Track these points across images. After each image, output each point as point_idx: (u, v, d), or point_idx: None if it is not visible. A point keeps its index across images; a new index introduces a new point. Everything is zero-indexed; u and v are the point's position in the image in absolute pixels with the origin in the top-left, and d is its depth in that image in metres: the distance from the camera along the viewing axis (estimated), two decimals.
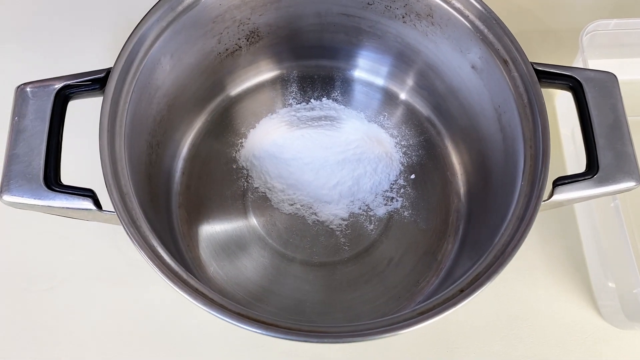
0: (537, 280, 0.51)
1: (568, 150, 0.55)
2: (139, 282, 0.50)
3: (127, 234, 0.36)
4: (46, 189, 0.38)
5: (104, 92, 0.41)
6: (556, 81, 0.43)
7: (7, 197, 0.38)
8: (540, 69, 0.43)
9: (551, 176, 0.40)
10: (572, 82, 0.43)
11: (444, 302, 0.36)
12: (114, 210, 0.37)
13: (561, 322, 0.50)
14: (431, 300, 0.36)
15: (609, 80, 0.43)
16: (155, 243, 0.37)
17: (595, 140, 0.41)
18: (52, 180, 0.39)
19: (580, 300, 0.50)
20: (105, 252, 0.50)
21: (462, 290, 0.36)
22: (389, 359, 0.48)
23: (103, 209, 0.38)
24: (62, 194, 0.38)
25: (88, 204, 0.38)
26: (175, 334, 0.48)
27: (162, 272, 0.35)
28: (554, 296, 0.51)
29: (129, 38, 0.42)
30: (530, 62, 0.43)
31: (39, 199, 0.38)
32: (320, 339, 0.34)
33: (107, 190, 0.37)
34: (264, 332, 0.33)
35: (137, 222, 0.37)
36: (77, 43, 0.58)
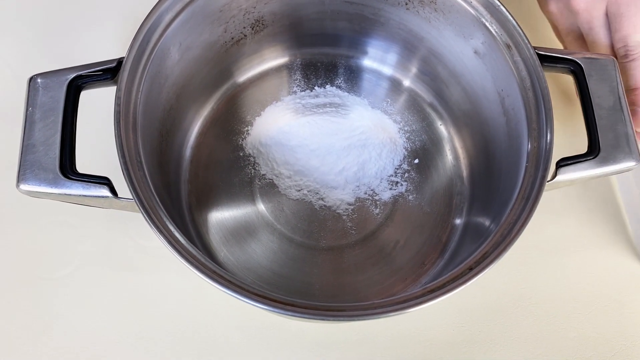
0: (538, 261, 0.53)
1: None
2: (151, 269, 0.50)
3: (146, 219, 0.37)
4: (62, 177, 0.39)
5: (116, 81, 0.41)
6: (558, 65, 0.44)
7: (24, 186, 0.39)
8: (542, 53, 0.44)
9: (554, 157, 0.41)
10: (573, 66, 0.44)
11: (453, 280, 0.37)
12: (130, 197, 0.38)
13: (563, 300, 0.51)
14: (441, 278, 0.37)
15: (608, 64, 0.44)
16: (173, 228, 0.38)
17: (596, 122, 0.42)
18: (67, 169, 0.39)
19: (581, 279, 0.52)
20: (117, 241, 0.51)
21: (471, 269, 0.37)
22: (396, 336, 0.49)
23: (119, 196, 0.39)
24: (79, 182, 0.39)
25: (104, 191, 0.39)
26: (188, 319, 0.49)
27: (182, 256, 0.36)
28: (555, 276, 0.52)
29: (139, 28, 0.42)
30: (533, 47, 0.44)
31: (56, 187, 0.39)
32: (336, 317, 0.35)
33: (125, 177, 0.38)
34: (282, 312, 0.34)
35: (154, 209, 0.38)
36: (83, 35, 0.58)
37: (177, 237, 0.37)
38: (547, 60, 0.44)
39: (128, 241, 0.51)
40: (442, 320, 0.50)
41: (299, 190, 0.52)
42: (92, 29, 0.59)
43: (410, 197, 0.53)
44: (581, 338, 0.50)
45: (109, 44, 0.57)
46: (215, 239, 0.50)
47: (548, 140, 0.41)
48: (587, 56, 0.44)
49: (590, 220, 0.54)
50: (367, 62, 0.57)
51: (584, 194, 0.54)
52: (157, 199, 0.39)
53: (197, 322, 0.49)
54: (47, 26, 0.59)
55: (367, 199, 0.52)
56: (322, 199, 0.52)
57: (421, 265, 0.50)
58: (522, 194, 0.40)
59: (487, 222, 0.46)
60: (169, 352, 0.48)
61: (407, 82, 0.56)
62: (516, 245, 0.39)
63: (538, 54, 0.44)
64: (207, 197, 0.52)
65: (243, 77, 0.56)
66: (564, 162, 0.41)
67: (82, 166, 0.40)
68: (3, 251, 0.51)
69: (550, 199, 0.54)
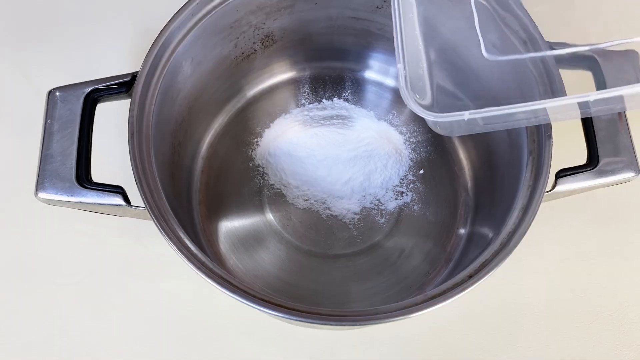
0: (541, 270, 0.53)
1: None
2: (162, 275, 0.52)
3: (157, 227, 0.38)
4: (78, 186, 0.41)
5: (130, 94, 0.43)
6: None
7: (42, 195, 0.41)
8: None
9: (554, 167, 0.42)
10: None
11: (454, 287, 0.38)
12: (143, 206, 0.40)
13: (566, 309, 0.52)
14: (442, 285, 0.38)
15: None
16: (183, 236, 0.39)
17: (595, 133, 0.43)
18: (83, 178, 0.41)
19: (584, 289, 0.53)
20: (129, 248, 0.53)
21: (471, 276, 0.38)
22: (400, 343, 0.50)
23: (132, 204, 0.41)
24: (94, 191, 0.41)
25: (118, 199, 0.41)
26: (198, 325, 0.50)
27: (192, 262, 0.37)
28: (558, 286, 0.53)
29: (153, 43, 0.44)
30: None
31: (72, 195, 0.41)
32: (339, 322, 0.36)
33: (137, 186, 0.40)
34: (287, 316, 0.36)
35: (165, 216, 0.39)
36: (96, 50, 0.61)
37: (187, 245, 0.39)
38: None
39: (140, 248, 0.53)
40: (446, 327, 0.51)
41: (306, 200, 0.54)
42: (108, 43, 0.61)
43: (416, 207, 0.54)
44: (584, 347, 0.50)
45: (124, 59, 0.59)
46: (224, 246, 0.52)
47: (547, 152, 0.42)
48: None
49: (593, 230, 0.54)
50: (373, 75, 0.58)
51: (586, 203, 0.55)
52: (169, 208, 0.41)
53: (207, 328, 0.51)
54: (65, 41, 0.61)
55: (372, 209, 0.54)
56: (328, 209, 0.53)
57: (426, 274, 0.51)
58: (521, 204, 0.41)
59: (490, 232, 0.47)
60: (180, 356, 0.50)
61: None
62: (519, 254, 0.40)
63: None
64: (217, 206, 0.53)
65: (253, 90, 0.58)
66: (563, 173, 0.42)
67: (97, 176, 0.42)
68: (19, 257, 0.53)
69: (552, 208, 0.54)
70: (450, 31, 0.44)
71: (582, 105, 0.38)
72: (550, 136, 0.42)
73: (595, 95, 0.38)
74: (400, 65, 0.40)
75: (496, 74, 0.43)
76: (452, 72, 0.44)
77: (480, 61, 0.42)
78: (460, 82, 0.44)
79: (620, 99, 0.38)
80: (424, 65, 0.42)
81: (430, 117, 0.39)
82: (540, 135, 0.43)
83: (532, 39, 0.44)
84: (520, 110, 0.38)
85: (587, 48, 0.44)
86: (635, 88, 0.38)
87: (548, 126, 0.43)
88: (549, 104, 0.38)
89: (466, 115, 0.38)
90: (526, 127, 0.44)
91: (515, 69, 0.44)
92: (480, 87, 0.44)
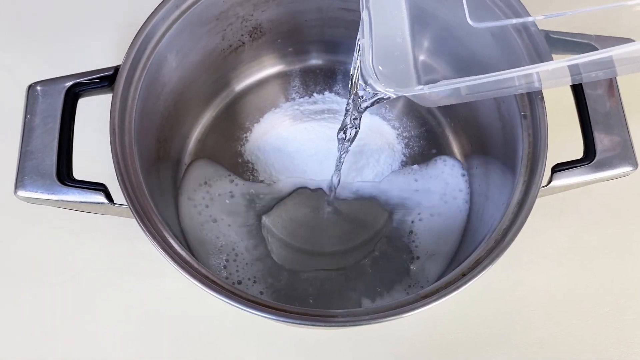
0: (537, 266, 0.52)
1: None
2: (150, 273, 0.51)
3: (139, 225, 0.37)
4: (59, 184, 0.39)
5: (112, 89, 0.42)
6: None
7: (21, 193, 0.39)
8: None
9: (550, 162, 0.41)
10: None
11: (446, 286, 0.37)
12: (125, 204, 0.38)
13: (562, 306, 0.51)
14: (434, 284, 0.37)
15: None
16: (167, 234, 0.38)
17: (592, 127, 0.42)
18: (64, 175, 0.40)
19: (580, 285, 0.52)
20: (117, 246, 0.52)
21: (464, 274, 0.37)
22: (392, 344, 0.49)
23: (115, 202, 0.40)
24: (75, 189, 0.39)
25: (100, 197, 0.39)
26: (187, 323, 0.50)
27: (175, 261, 0.36)
28: (553, 282, 0.52)
29: (136, 36, 0.43)
30: None
31: (53, 193, 0.39)
32: (328, 323, 0.35)
33: (119, 183, 0.38)
34: (274, 317, 0.35)
35: (148, 214, 0.38)
36: (79, 43, 0.59)
37: (171, 244, 0.38)
38: None
39: (127, 246, 0.52)
40: (440, 325, 0.50)
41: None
42: (91, 36, 0.59)
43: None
44: (580, 344, 0.50)
45: (108, 52, 0.58)
46: None
47: (542, 146, 0.41)
48: None
49: (588, 226, 0.53)
50: None
51: (583, 198, 0.54)
52: (153, 205, 0.39)
53: (195, 326, 0.50)
54: (47, 34, 0.60)
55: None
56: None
57: (421, 271, 0.50)
58: (516, 200, 0.40)
59: (484, 227, 0.46)
60: (168, 355, 0.49)
61: None
62: (514, 250, 0.39)
63: None
64: None
65: (242, 84, 0.56)
66: (559, 168, 0.41)
67: (79, 173, 0.41)
68: (5, 257, 0.52)
69: (549, 203, 0.53)
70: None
71: (572, 69, 0.36)
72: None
73: (580, 58, 0.35)
74: (364, 40, 0.37)
75: (483, 42, 0.42)
76: (437, 40, 0.42)
77: (467, 29, 0.40)
78: (446, 49, 0.42)
79: (609, 61, 0.36)
80: (406, 33, 0.40)
81: (391, 92, 0.36)
82: (535, 128, 0.42)
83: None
84: (504, 77, 0.35)
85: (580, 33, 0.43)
86: (625, 48, 0.35)
87: (544, 118, 0.41)
88: (537, 69, 0.36)
89: (425, 89, 0.35)
90: (520, 120, 0.42)
91: (501, 37, 0.42)
92: (467, 54, 0.42)
